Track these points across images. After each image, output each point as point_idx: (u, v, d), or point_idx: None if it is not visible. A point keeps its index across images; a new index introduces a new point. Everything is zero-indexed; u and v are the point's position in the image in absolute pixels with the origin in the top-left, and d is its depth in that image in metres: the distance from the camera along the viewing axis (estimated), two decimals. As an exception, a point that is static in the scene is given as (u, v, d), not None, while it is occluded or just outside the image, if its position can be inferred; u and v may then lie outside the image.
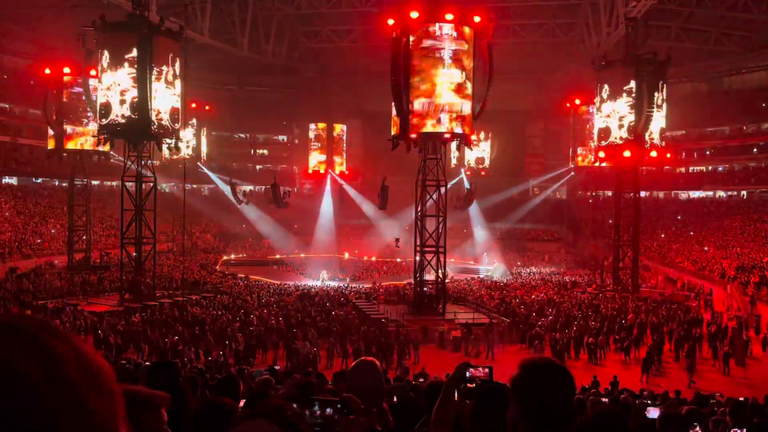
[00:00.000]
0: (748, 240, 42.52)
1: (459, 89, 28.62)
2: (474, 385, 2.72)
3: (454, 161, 52.43)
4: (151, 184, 31.64)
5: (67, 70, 36.97)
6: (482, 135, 59.90)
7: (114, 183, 40.63)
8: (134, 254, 31.69)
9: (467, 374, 2.61)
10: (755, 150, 53.85)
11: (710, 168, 57.37)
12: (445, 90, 28.43)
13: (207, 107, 47.00)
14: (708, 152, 57.30)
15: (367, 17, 49.99)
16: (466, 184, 47.75)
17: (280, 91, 62.78)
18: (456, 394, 2.58)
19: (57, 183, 49.93)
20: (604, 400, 10.04)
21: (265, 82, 63.12)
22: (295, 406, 1.99)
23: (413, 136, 28.68)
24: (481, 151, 62.03)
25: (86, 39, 32.65)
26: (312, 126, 55.47)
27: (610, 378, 17.91)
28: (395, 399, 6.54)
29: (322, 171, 55.65)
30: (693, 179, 57.43)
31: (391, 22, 28.69)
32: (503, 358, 22.92)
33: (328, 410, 2.38)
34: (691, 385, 19.65)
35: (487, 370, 2.65)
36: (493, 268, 48.84)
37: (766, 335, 25.09)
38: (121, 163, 33.56)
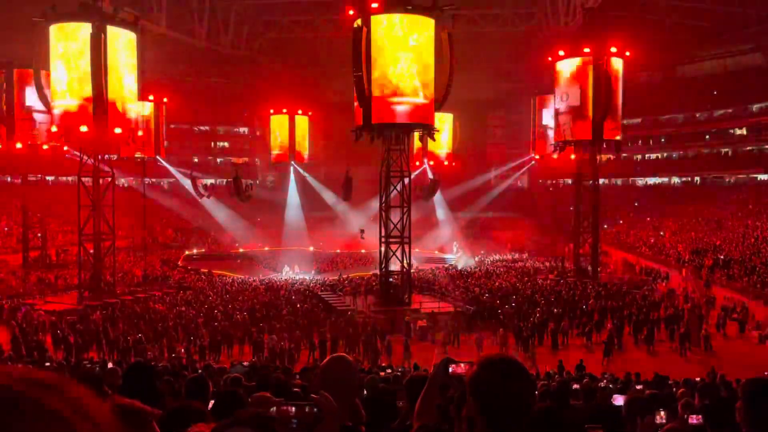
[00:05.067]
0: (702, 224, 43.82)
1: (421, 79, 28.64)
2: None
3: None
4: (109, 179, 30.92)
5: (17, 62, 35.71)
6: (445, 125, 60.17)
7: (70, 178, 39.41)
8: (92, 251, 30.95)
9: (449, 370, 2.57)
10: (707, 137, 55.39)
11: (665, 155, 58.85)
12: (408, 80, 28.41)
13: (165, 99, 45.94)
14: (663, 140, 58.76)
15: (327, 7, 49.56)
16: (430, 175, 47.92)
17: (240, 82, 61.81)
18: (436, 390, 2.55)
19: (9, 179, 48.26)
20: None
21: (224, 73, 61.95)
22: (273, 409, 1.96)
23: (376, 126, 28.62)
24: (443, 140, 62.21)
25: (37, 30, 31.54)
26: (273, 117, 54.95)
27: (574, 362, 18.34)
28: (365, 392, 6.57)
29: (282, 163, 55.12)
30: (649, 166, 58.83)
31: (351, 12, 28.53)
32: (471, 348, 23.20)
33: (305, 410, 2.35)
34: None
35: (468, 366, 2.60)
36: (456, 257, 49.25)
37: (720, 316, 26.02)
38: (76, 157, 32.65)
